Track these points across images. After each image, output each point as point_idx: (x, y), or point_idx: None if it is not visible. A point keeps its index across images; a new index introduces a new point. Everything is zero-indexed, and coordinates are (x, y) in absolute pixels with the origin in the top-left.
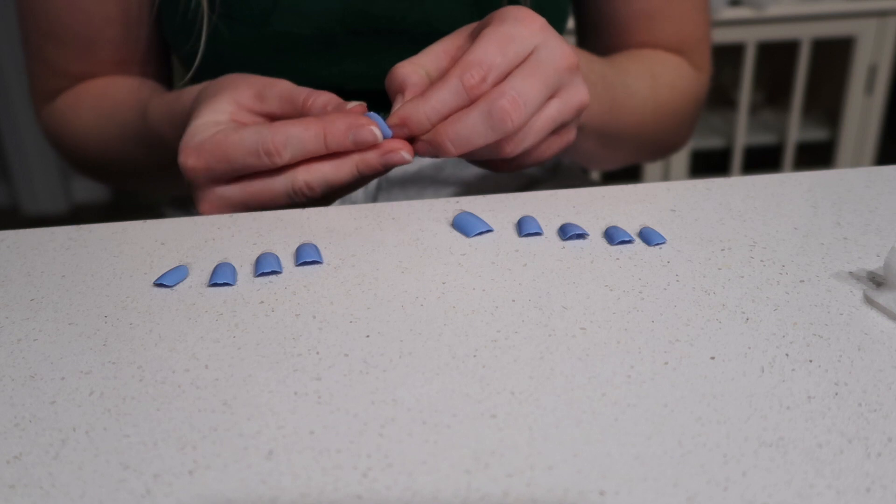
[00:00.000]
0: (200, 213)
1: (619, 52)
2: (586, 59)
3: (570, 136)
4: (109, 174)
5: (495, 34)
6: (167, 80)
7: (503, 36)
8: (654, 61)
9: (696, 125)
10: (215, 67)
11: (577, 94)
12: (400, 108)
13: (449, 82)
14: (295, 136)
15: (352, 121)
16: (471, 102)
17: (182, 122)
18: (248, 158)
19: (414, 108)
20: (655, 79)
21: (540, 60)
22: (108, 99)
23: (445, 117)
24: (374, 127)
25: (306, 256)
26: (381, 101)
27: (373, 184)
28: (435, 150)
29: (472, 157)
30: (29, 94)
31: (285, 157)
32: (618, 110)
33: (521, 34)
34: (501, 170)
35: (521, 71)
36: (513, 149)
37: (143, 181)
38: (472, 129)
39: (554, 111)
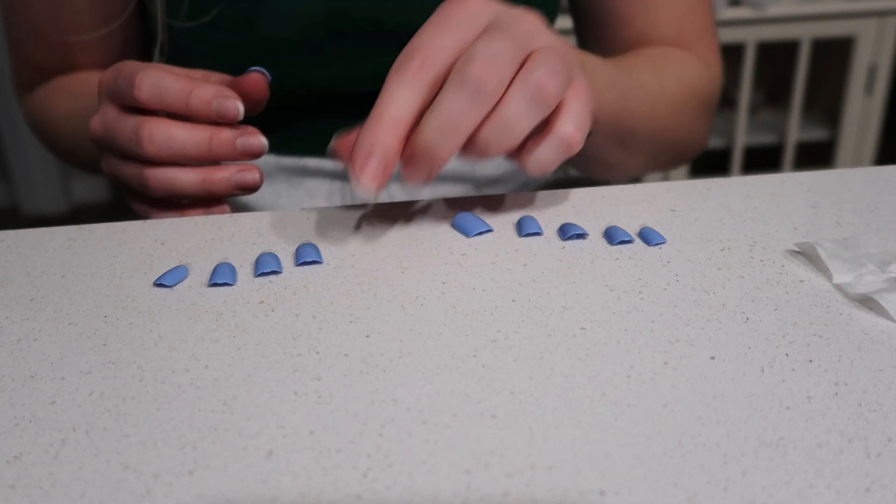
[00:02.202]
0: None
1: (620, 52)
2: (591, 60)
3: (569, 136)
4: (84, 162)
5: (435, 17)
6: None
7: (444, 16)
8: (658, 55)
9: (711, 124)
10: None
11: (550, 61)
12: (358, 137)
13: (395, 82)
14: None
15: (218, 93)
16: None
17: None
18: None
19: (369, 129)
20: (660, 72)
21: (500, 24)
22: (79, 99)
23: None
24: (237, 102)
25: (306, 256)
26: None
27: None
28: (427, 158)
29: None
30: (12, 81)
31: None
32: (628, 106)
33: (467, 10)
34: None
35: (482, 37)
36: (496, 135)
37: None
38: (451, 110)
39: (541, 73)
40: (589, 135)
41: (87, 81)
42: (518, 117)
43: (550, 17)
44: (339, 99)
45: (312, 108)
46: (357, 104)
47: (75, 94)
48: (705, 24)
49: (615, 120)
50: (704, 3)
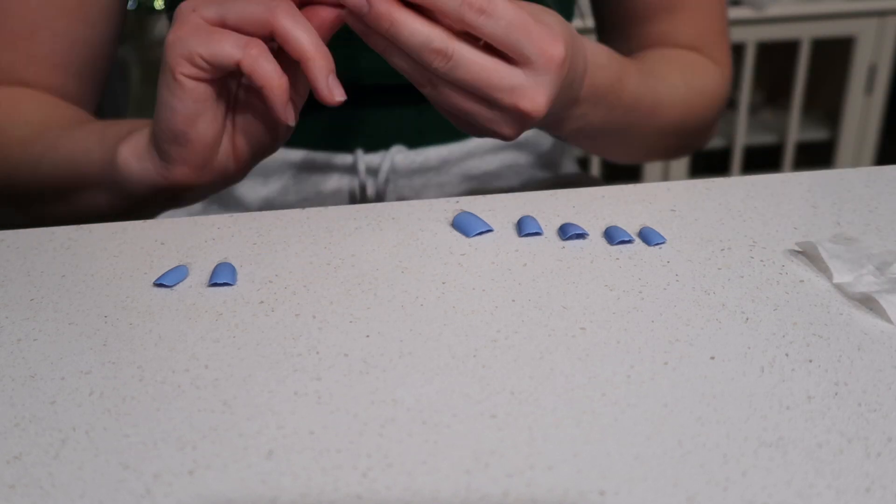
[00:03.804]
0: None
1: (645, 51)
2: (599, 52)
3: (502, 130)
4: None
5: None
6: (95, 105)
7: None
8: (674, 57)
9: (718, 126)
10: None
11: (529, 95)
12: None
13: None
14: None
15: None
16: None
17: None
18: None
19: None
20: (688, 84)
21: (535, 12)
22: (38, 133)
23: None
24: None
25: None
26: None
27: (382, 176)
28: (373, 16)
29: (399, 62)
30: None
31: None
32: (634, 112)
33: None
34: (424, 91)
35: (496, 61)
36: (441, 64)
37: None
38: (410, 36)
39: (502, 73)
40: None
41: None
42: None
43: (566, 16)
44: (366, 91)
45: (323, 105)
46: (369, 97)
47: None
48: (721, 28)
49: (603, 128)
50: (721, 7)
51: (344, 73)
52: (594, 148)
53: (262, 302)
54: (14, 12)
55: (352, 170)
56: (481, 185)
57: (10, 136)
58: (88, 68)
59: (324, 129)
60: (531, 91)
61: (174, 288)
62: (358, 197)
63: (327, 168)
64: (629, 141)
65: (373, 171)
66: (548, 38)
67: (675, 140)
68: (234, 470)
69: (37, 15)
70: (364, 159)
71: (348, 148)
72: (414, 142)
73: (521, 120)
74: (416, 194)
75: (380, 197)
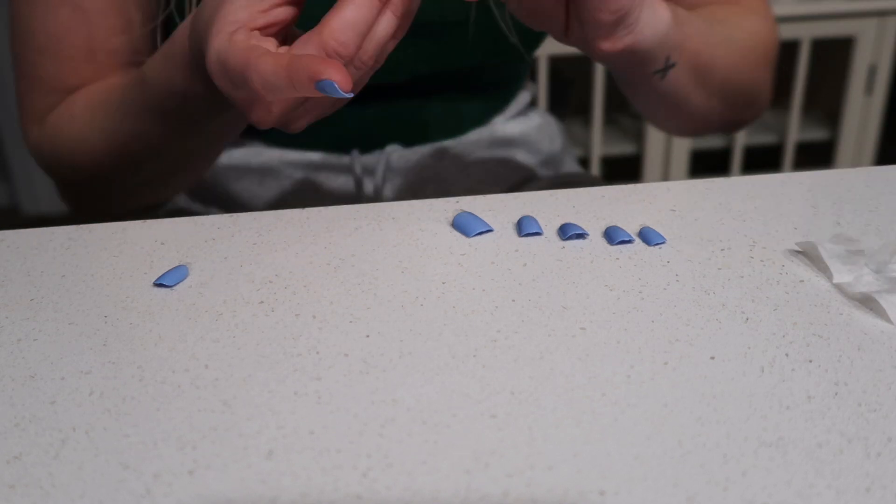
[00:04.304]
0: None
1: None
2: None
3: (631, 35)
4: (117, 177)
5: None
6: None
7: None
8: (719, 10)
9: (773, 78)
10: None
11: None
12: None
13: None
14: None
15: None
16: None
17: (184, 56)
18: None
19: None
20: (727, 21)
21: None
22: (97, 90)
23: None
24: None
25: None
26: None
27: (379, 175)
28: None
29: None
30: (18, 118)
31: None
32: (707, 42)
33: None
34: (570, 41)
35: None
36: None
37: (162, 163)
38: None
39: None
40: (671, 66)
41: (97, 86)
42: None
43: None
44: (367, 90)
45: None
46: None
47: (91, 94)
48: None
49: (696, 53)
50: None
51: None
52: (659, 102)
53: (262, 302)
54: (71, 43)
55: (348, 169)
56: (480, 183)
57: (99, 127)
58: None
59: (320, 131)
60: None
61: (174, 288)
62: (356, 196)
63: (325, 168)
64: (693, 93)
65: (370, 171)
66: None
67: (732, 96)
68: (234, 470)
69: (91, 40)
70: (360, 160)
71: (345, 148)
72: (409, 140)
73: None
74: (414, 193)
75: (377, 195)
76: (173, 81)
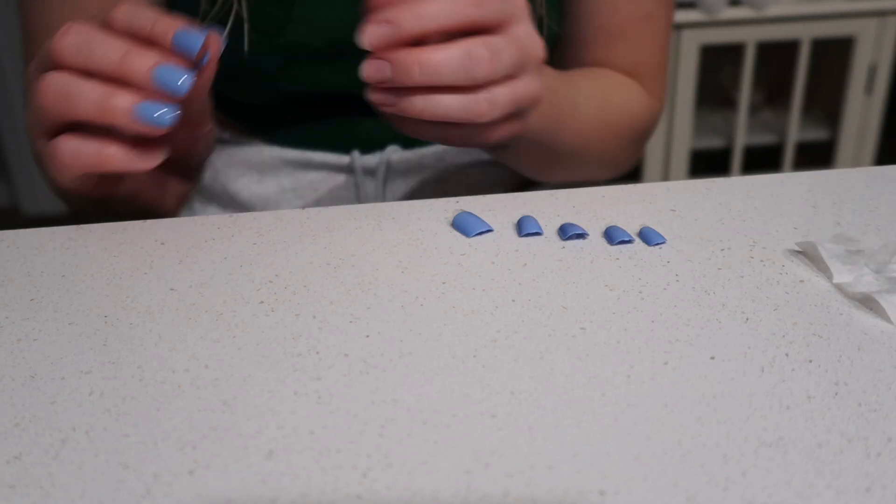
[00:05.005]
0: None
1: (574, 69)
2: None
3: (521, 124)
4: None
5: None
6: None
7: None
8: (608, 81)
9: (641, 150)
10: (224, 72)
11: (535, 85)
12: (388, 10)
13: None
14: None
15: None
16: (449, 33)
17: None
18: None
19: (404, 10)
20: (607, 99)
21: (519, 36)
22: None
23: (425, 35)
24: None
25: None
26: None
27: (379, 175)
28: (400, 72)
29: (438, 110)
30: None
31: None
32: (562, 126)
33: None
34: (452, 141)
35: (503, 35)
36: (487, 111)
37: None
38: (445, 63)
39: (521, 89)
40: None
41: None
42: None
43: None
44: (358, 102)
45: (323, 107)
46: (362, 105)
47: None
48: (661, 61)
49: (542, 139)
50: (664, 40)
51: (336, 84)
52: (532, 160)
53: (262, 302)
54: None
55: (348, 169)
56: (480, 184)
57: None
58: None
59: (319, 133)
60: (534, 79)
61: (174, 288)
62: (355, 196)
63: (324, 167)
64: (561, 151)
65: (370, 171)
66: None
67: (599, 149)
68: (234, 470)
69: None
70: (360, 160)
71: (345, 149)
72: (410, 141)
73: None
74: (414, 193)
75: (377, 195)
76: None
